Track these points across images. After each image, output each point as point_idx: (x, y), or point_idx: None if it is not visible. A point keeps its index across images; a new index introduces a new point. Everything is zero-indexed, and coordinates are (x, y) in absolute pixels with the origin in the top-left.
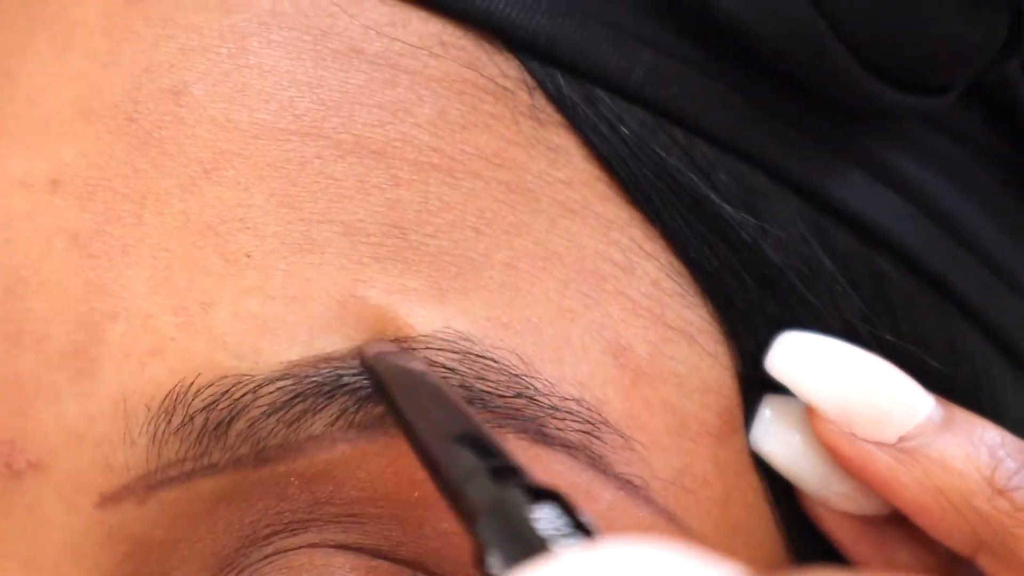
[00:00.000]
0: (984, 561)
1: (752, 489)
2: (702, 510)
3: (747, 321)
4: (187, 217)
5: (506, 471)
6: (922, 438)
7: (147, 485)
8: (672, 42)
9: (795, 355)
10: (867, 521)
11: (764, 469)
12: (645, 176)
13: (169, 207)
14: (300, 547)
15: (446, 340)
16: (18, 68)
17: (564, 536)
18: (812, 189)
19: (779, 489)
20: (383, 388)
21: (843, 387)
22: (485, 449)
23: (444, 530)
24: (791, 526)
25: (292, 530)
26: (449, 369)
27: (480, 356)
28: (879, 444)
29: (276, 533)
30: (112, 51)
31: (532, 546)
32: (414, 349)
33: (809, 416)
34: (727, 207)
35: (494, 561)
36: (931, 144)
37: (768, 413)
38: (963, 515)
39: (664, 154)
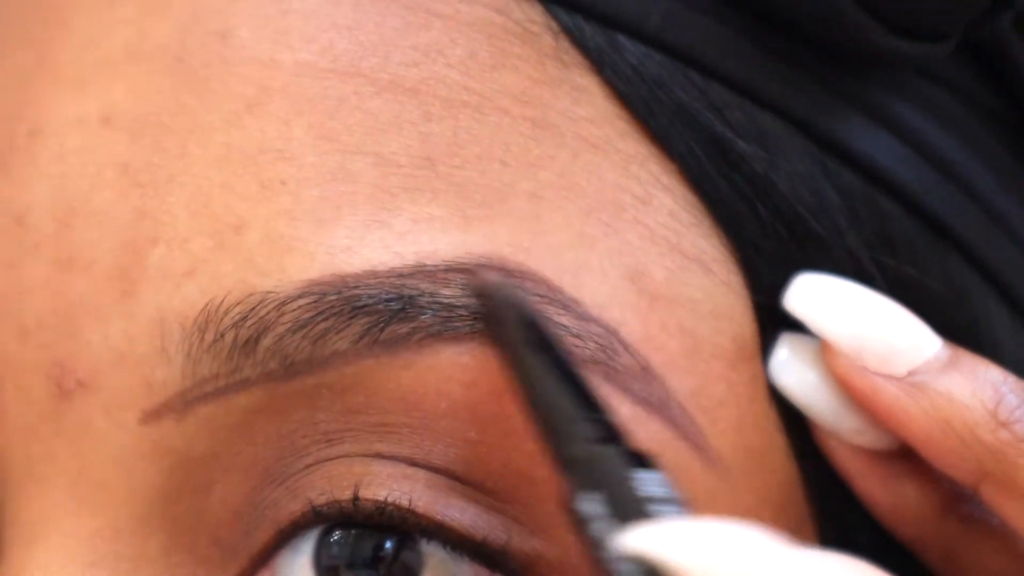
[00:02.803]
0: (987, 491)
1: (765, 415)
2: (717, 430)
3: (759, 250)
4: (229, 148)
5: (611, 430)
6: (930, 373)
7: (184, 401)
8: None
9: (811, 294)
10: (875, 455)
11: (778, 400)
12: (664, 114)
13: (212, 139)
14: (338, 456)
15: (466, 263)
16: (72, 17)
17: (664, 502)
18: (818, 130)
19: (792, 420)
20: (496, 321)
21: (856, 325)
22: (592, 405)
23: (472, 439)
24: (804, 456)
25: (329, 440)
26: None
27: None
28: (889, 378)
29: (314, 443)
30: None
31: (632, 505)
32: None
33: (824, 351)
34: (741, 142)
35: (587, 507)
36: (931, 96)
37: (786, 349)
38: (968, 445)
39: (682, 94)
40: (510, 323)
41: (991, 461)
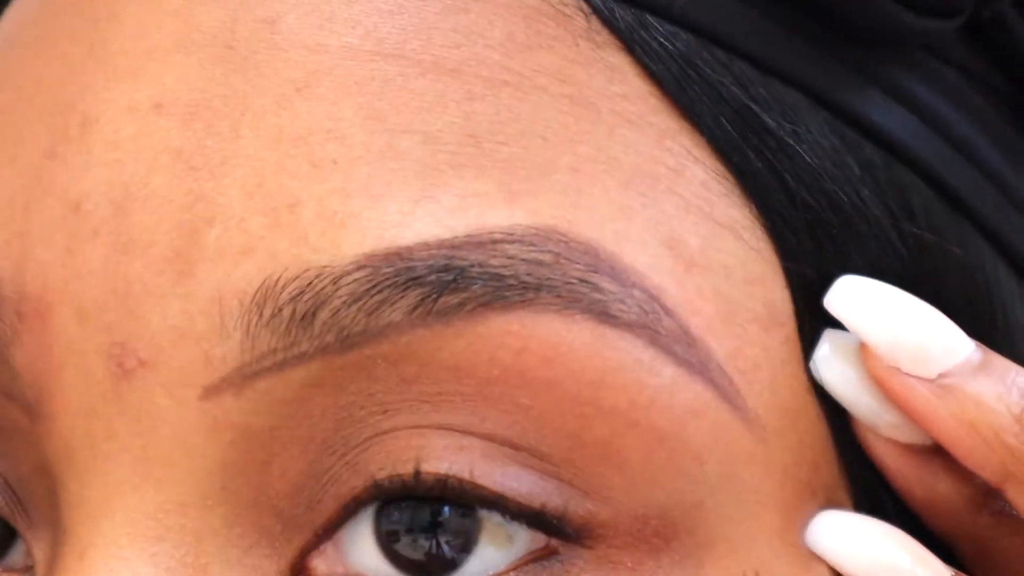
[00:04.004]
0: (1011, 491)
1: (797, 378)
2: (753, 392)
3: (786, 220)
4: (280, 130)
5: None
6: (960, 376)
7: (243, 376)
8: None
9: (850, 296)
10: (911, 450)
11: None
12: (692, 90)
13: (264, 121)
14: (396, 429)
15: (513, 234)
16: (121, 10)
17: None
18: (838, 104)
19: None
20: None
21: (892, 328)
22: None
23: (524, 404)
24: (834, 418)
25: (385, 411)
26: (519, 260)
27: (547, 249)
28: (921, 380)
29: (371, 415)
30: None
31: None
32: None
33: (862, 351)
34: (766, 116)
35: None
36: (940, 73)
37: (827, 345)
38: (993, 448)
39: (709, 71)
40: None
41: (1014, 464)
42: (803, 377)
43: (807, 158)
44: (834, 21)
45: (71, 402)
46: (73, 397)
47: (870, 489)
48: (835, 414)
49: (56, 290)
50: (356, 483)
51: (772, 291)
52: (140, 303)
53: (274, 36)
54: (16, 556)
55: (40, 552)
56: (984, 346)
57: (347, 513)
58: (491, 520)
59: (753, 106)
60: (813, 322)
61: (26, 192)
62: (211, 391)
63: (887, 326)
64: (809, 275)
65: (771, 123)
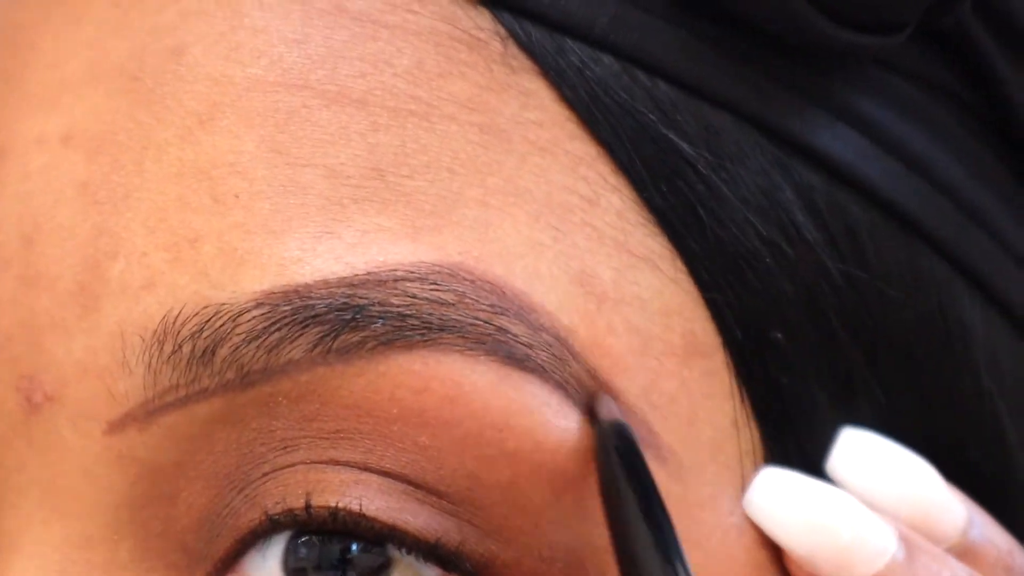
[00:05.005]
0: None
1: (722, 412)
2: (669, 427)
3: (703, 251)
4: (183, 163)
5: None
6: None
7: (147, 412)
8: None
9: (770, 495)
10: None
11: (749, 396)
12: (608, 117)
13: (167, 155)
14: (294, 464)
15: (416, 272)
16: (39, 40)
17: None
18: (774, 127)
19: (763, 418)
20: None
21: (810, 535)
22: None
23: (423, 443)
24: (773, 445)
25: (285, 447)
26: (422, 299)
27: (451, 288)
28: None
29: (272, 451)
30: (120, 19)
31: None
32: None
33: (783, 553)
34: (685, 145)
35: None
36: (893, 87)
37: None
38: None
39: (626, 96)
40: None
41: None
42: (729, 410)
43: (726, 188)
44: (769, 41)
45: None
46: None
47: None
48: (776, 448)
49: None
50: (252, 516)
51: (692, 322)
52: (46, 337)
53: (179, 67)
54: None
55: None
56: (913, 540)
57: (243, 546)
58: (401, 560)
59: (672, 135)
60: (747, 351)
61: None
62: (115, 426)
63: (806, 533)
64: (735, 305)
65: (690, 152)
